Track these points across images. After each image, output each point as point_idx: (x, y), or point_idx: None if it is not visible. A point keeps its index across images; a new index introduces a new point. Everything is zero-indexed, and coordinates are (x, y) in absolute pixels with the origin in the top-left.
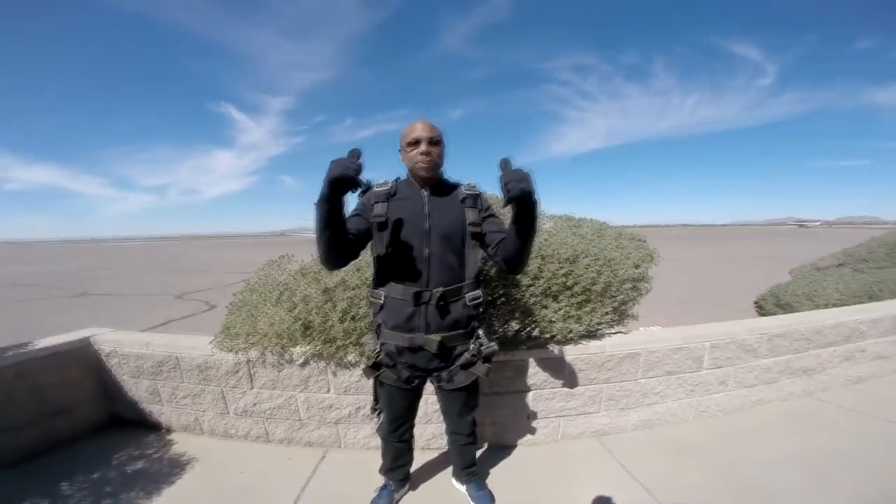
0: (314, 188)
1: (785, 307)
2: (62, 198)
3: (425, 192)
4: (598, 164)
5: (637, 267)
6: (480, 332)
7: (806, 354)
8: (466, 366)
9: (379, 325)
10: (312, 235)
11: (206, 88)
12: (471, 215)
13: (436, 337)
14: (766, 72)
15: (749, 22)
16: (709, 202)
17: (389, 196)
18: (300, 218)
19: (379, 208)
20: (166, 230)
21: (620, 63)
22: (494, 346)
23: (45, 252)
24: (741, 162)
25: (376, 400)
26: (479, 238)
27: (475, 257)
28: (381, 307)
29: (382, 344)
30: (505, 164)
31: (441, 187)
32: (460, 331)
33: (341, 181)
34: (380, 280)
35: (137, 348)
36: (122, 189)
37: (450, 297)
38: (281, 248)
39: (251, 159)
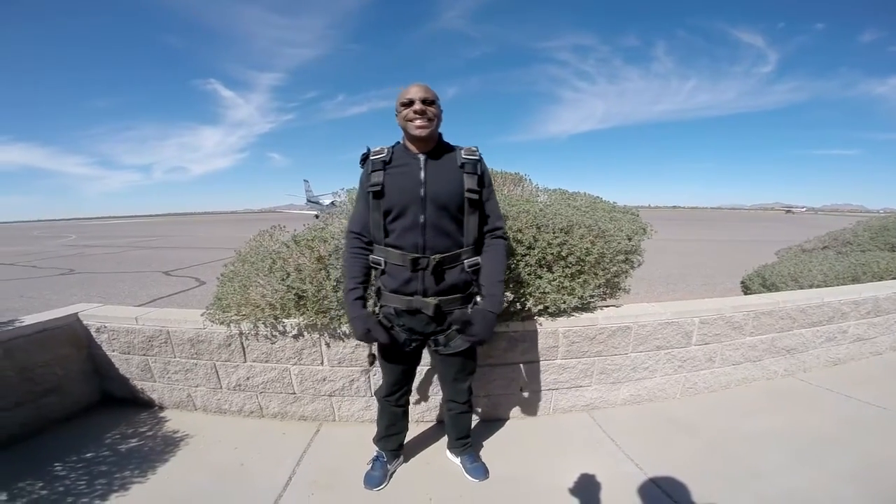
0: (303, 166)
1: (770, 287)
2: (43, 178)
3: (422, 157)
4: (593, 144)
5: (630, 239)
6: (478, 298)
7: (790, 333)
8: (462, 329)
9: (378, 289)
10: (302, 212)
11: (193, 65)
12: (469, 182)
13: (432, 300)
14: (767, 59)
15: (760, 8)
16: (698, 186)
17: (386, 164)
18: (289, 195)
19: (376, 177)
20: (151, 209)
21: (620, 45)
22: None
23: (26, 232)
24: (732, 148)
25: (372, 356)
26: (478, 207)
27: (474, 224)
28: (382, 272)
29: (382, 306)
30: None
31: (439, 151)
32: (457, 295)
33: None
34: (378, 246)
35: (127, 323)
36: (105, 168)
37: (447, 264)
38: (271, 223)
39: (239, 136)
